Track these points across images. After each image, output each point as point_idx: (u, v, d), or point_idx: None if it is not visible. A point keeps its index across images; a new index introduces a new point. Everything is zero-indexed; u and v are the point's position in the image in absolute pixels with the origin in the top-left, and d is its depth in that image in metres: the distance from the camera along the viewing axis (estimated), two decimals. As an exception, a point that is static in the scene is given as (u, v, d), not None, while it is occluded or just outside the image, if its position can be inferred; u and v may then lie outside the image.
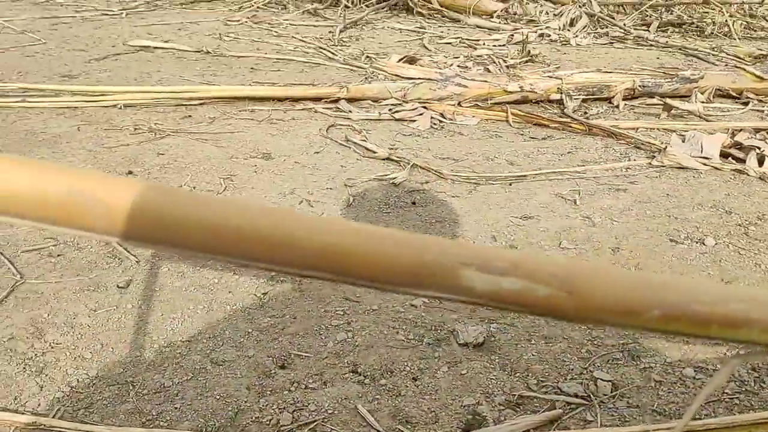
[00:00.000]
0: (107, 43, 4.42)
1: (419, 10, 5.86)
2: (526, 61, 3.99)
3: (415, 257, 0.39)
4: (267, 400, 1.20)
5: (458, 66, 3.78)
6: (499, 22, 5.40)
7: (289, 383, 1.25)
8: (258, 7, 5.98)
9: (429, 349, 1.35)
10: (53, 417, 1.14)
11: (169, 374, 1.27)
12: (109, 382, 1.24)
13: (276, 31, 4.96)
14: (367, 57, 4.10)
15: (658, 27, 5.14)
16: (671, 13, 5.45)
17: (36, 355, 1.31)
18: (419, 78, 3.22)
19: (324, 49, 4.35)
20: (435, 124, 2.86)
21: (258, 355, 1.33)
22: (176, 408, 1.18)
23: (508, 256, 0.40)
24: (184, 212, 0.37)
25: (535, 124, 2.85)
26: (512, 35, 4.75)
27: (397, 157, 2.41)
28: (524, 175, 2.24)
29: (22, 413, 1.14)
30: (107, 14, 5.56)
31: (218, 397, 1.21)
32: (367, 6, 5.99)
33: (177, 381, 1.25)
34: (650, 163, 2.31)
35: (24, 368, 1.27)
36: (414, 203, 2.05)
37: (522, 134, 2.74)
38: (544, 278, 0.38)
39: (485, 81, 3.14)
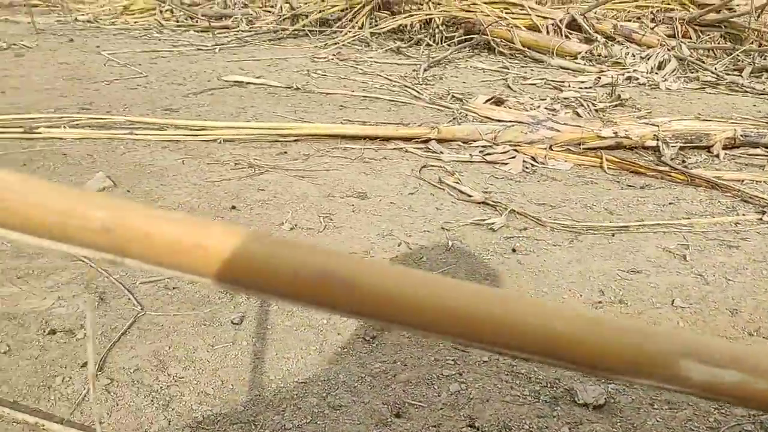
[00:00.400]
0: (203, 77, 4.62)
1: (501, 49, 5.89)
2: (616, 105, 3.93)
3: (637, 347, 0.39)
4: (386, 450, 1.21)
5: (545, 108, 3.76)
6: (584, 64, 5.36)
7: (407, 433, 1.25)
8: (342, 45, 6.15)
9: (547, 407, 1.32)
10: (183, 453, 1.17)
11: (288, 416, 1.29)
12: (232, 420, 1.27)
13: (361, 69, 5.07)
14: (453, 97, 4.14)
15: (751, 72, 4.98)
16: (765, 59, 5.27)
17: (161, 388, 1.35)
18: (510, 121, 3.22)
19: (409, 88, 4.41)
20: (527, 167, 2.84)
21: (373, 401, 1.34)
22: (297, 451, 1.20)
23: (726, 349, 0.39)
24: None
25: (631, 172, 2.79)
26: (599, 77, 4.70)
27: (493, 201, 2.40)
28: (627, 226, 2.19)
29: (154, 447, 1.18)
30: (201, 49, 5.82)
31: (338, 443, 1.22)
32: (449, 45, 6.07)
33: (297, 423, 1.27)
34: (761, 219, 2.22)
35: (152, 401, 1.31)
36: (514, 250, 2.03)
37: (618, 182, 2.69)
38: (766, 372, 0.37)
39: (578, 126, 3.11)
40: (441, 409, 1.32)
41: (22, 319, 1.57)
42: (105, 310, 1.63)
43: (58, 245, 0.46)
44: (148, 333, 1.54)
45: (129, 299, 1.68)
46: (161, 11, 8.32)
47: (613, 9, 7.26)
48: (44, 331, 1.53)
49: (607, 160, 2.85)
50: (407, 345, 1.54)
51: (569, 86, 4.54)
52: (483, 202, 2.40)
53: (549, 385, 1.39)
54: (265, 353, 1.48)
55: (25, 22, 7.49)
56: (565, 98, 4.16)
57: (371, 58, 5.59)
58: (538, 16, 6.32)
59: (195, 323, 1.59)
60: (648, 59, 5.26)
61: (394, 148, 3.04)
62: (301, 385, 1.38)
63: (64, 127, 3.06)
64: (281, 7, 8.13)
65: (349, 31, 6.58)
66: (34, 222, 0.44)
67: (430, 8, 6.59)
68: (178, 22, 7.97)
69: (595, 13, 6.60)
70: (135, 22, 8.12)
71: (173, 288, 1.75)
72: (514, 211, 2.31)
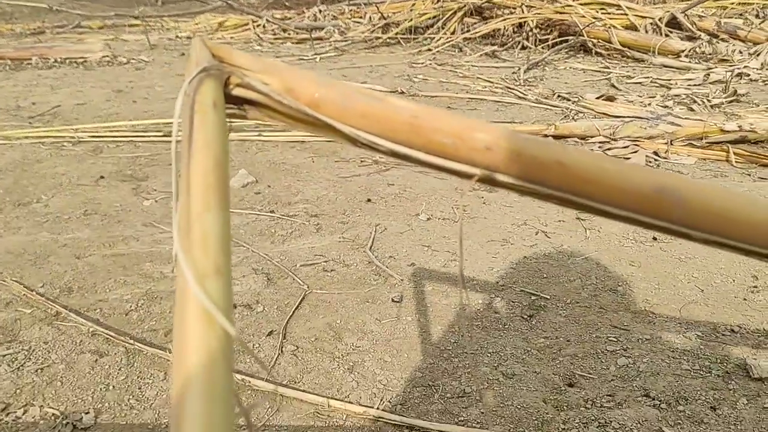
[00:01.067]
0: (310, 84, 4.81)
1: (598, 50, 5.83)
2: (731, 101, 3.83)
3: None
4: (567, 415, 1.26)
5: (657, 105, 3.72)
6: (689, 62, 5.23)
7: (583, 401, 1.30)
8: (436, 51, 6.25)
9: (720, 381, 1.34)
10: (377, 409, 1.27)
11: (464, 381, 1.36)
12: (414, 384, 1.36)
13: (460, 73, 5.14)
14: (559, 96, 4.14)
15: None
16: None
17: (342, 355, 1.46)
18: (627, 116, 3.20)
19: (512, 89, 4.45)
20: (650, 162, 2.83)
21: (544, 371, 1.40)
22: (482, 413, 1.27)
23: None
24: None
25: (761, 165, 2.73)
26: (708, 74, 4.58)
27: (622, 193, 2.41)
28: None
29: (352, 403, 1.28)
30: (303, 59, 6.06)
31: (518, 407, 1.29)
32: (544, 48, 6.06)
33: (475, 389, 1.34)
34: None
35: (337, 365, 1.42)
36: (655, 239, 2.04)
37: (749, 174, 2.64)
38: None
39: (700, 120, 3.07)
40: (612, 380, 1.37)
41: (203, 295, 1.72)
42: (275, 289, 1.76)
43: (446, 162, 0.55)
44: (318, 308, 1.66)
45: (293, 280, 1.81)
46: (255, 26, 8.68)
47: (713, 6, 7.05)
48: (226, 305, 1.67)
49: (734, 153, 2.80)
50: (565, 323, 1.59)
51: (677, 84, 4.46)
52: (612, 194, 2.41)
53: (719, 361, 1.41)
54: (430, 327, 1.57)
55: (133, 39, 8.00)
56: (675, 95, 4.09)
57: (468, 62, 5.66)
58: (636, 15, 6.22)
59: (358, 301, 1.70)
60: (758, 55, 5.08)
61: (511, 145, 3.08)
62: (470, 356, 1.45)
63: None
64: (371, 17, 8.32)
65: (442, 37, 6.68)
66: (434, 142, 0.53)
67: (523, 11, 6.59)
68: (274, 34, 8.29)
69: (696, 10, 6.42)
70: (231, 37, 8.50)
71: (331, 270, 1.87)
72: (646, 202, 2.31)
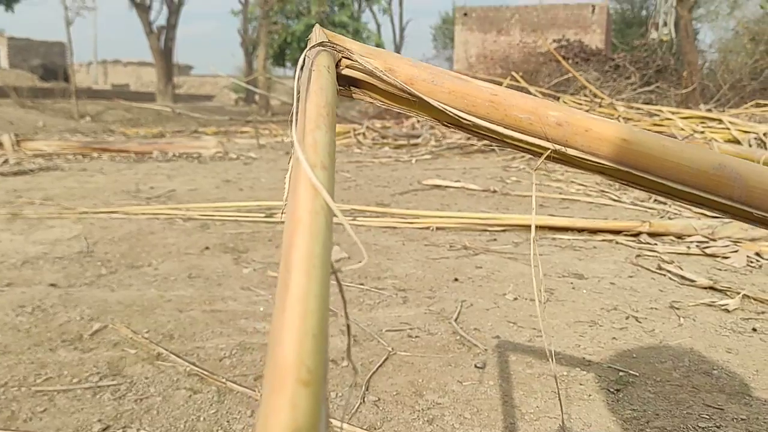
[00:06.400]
0: (405, 181, 5.02)
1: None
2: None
3: None
4: (654, 482, 1.20)
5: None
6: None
7: (672, 472, 1.24)
8: (530, 158, 6.37)
9: (828, 465, 1.24)
10: (454, 459, 1.26)
11: (546, 444, 1.33)
12: (493, 440, 1.34)
13: (554, 177, 5.21)
14: (656, 200, 4.10)
15: None
16: None
17: (422, 409, 1.47)
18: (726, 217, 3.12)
19: (606, 192, 4.44)
20: (752, 262, 2.72)
21: (630, 441, 1.34)
22: (562, 473, 1.23)
23: None
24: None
25: None
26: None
27: (721, 287, 2.33)
28: None
29: (429, 450, 1.28)
30: (399, 161, 6.34)
31: (601, 471, 1.24)
32: (642, 157, 6.04)
33: (556, 450, 1.31)
34: None
35: (417, 417, 1.43)
36: (755, 330, 1.95)
37: None
38: None
39: (807, 222, 2.94)
40: (705, 455, 1.29)
41: (292, 349, 1.80)
42: (360, 348, 1.81)
43: (522, 135, 0.62)
44: (401, 368, 1.68)
45: (378, 342, 1.85)
46: (355, 134, 9.19)
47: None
48: (312, 358, 1.73)
49: None
50: (654, 399, 1.53)
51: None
52: (710, 287, 2.34)
53: (826, 446, 1.31)
54: (513, 392, 1.55)
55: (242, 142, 8.66)
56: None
57: (561, 167, 5.72)
58: (739, 130, 6.13)
59: (441, 364, 1.71)
60: None
61: (603, 240, 3.07)
62: (553, 420, 1.42)
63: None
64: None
65: (537, 146, 6.81)
66: (511, 117, 0.60)
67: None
68: (374, 141, 8.73)
69: (803, 126, 6.25)
70: (335, 143, 9.02)
71: (415, 337, 1.90)
72: (748, 296, 2.22)
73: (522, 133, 0.59)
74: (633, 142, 0.58)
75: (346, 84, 0.63)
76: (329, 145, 0.47)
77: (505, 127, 0.59)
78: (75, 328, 1.94)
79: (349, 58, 0.60)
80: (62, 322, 1.99)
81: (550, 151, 0.60)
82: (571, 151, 0.59)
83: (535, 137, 0.59)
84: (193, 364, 1.69)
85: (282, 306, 0.35)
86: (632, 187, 0.61)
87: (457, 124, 0.61)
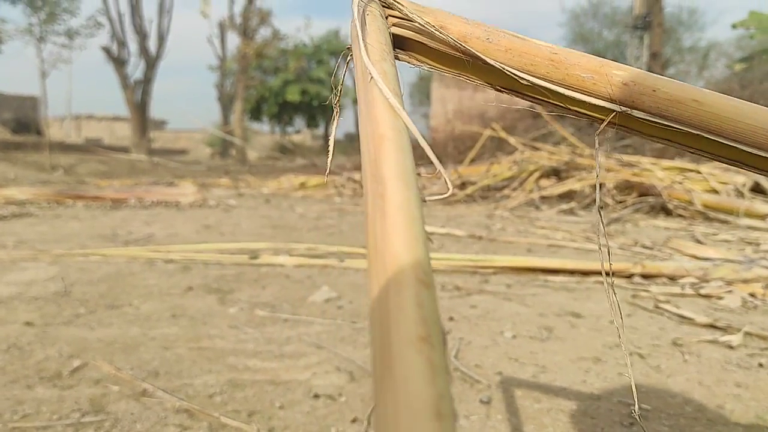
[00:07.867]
0: (390, 228, 4.97)
1: (679, 212, 5.81)
2: (828, 255, 3.68)
3: None
4: None
5: (750, 252, 3.60)
6: (776, 223, 5.12)
7: (701, 506, 1.16)
8: (513, 208, 6.39)
9: None
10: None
11: (564, 478, 1.25)
12: (508, 475, 1.25)
13: (538, 225, 5.21)
14: (643, 246, 4.10)
15: None
16: None
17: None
18: (719, 258, 3.12)
19: (593, 240, 4.44)
20: (747, 302, 2.70)
21: (653, 475, 1.26)
22: None
23: None
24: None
25: None
26: (798, 232, 4.46)
27: (721, 325, 2.29)
28: None
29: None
30: (383, 209, 6.31)
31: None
32: (624, 207, 6.10)
33: (576, 485, 1.22)
34: None
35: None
36: (761, 365, 1.90)
37: None
38: None
39: (797, 263, 2.95)
40: (733, 489, 1.22)
41: (287, 386, 1.70)
42: (358, 385, 1.72)
43: (584, 97, 0.58)
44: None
45: (376, 378, 1.76)
46: (335, 187, 9.18)
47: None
48: (309, 395, 1.63)
49: (840, 295, 2.64)
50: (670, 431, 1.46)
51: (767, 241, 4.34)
52: (710, 325, 2.29)
53: None
54: (522, 426, 1.47)
55: (220, 193, 8.60)
56: (765, 250, 3.96)
57: (544, 216, 5.74)
58: (718, 181, 6.24)
59: (444, 399, 1.62)
60: None
61: (596, 282, 3.03)
62: (569, 455, 1.34)
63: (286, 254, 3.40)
64: (446, 179, 8.67)
65: (518, 196, 6.85)
66: (572, 76, 0.56)
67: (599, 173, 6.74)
68: (354, 192, 8.72)
69: (778, 177, 6.38)
70: (311, 195, 8.99)
71: (414, 372, 1.81)
72: (750, 333, 2.18)
73: (585, 93, 0.55)
74: (704, 102, 0.54)
75: (392, 46, 0.58)
76: (396, 76, 0.42)
77: (566, 88, 0.55)
78: (53, 366, 1.82)
79: (397, 15, 0.56)
80: (40, 359, 1.87)
81: (615, 113, 0.55)
82: (636, 113, 0.55)
83: (598, 98, 0.55)
84: (182, 399, 1.58)
85: (382, 214, 0.30)
86: (700, 154, 0.57)
87: (512, 87, 0.57)
